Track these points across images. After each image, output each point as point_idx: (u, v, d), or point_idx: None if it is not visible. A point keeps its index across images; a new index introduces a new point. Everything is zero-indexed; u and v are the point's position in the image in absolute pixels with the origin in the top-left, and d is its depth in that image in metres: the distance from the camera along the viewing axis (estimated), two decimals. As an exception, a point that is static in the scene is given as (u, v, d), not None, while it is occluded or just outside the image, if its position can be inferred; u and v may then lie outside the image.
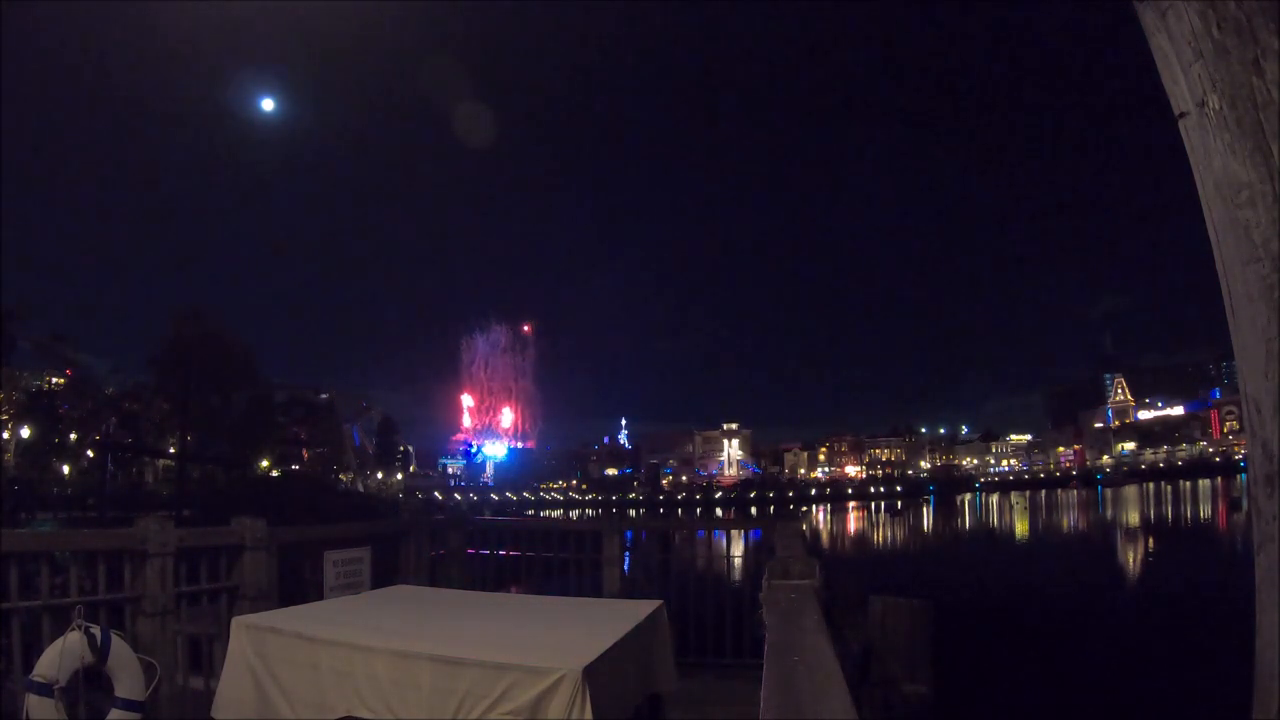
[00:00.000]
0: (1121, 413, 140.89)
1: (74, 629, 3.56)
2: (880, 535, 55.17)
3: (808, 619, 2.49)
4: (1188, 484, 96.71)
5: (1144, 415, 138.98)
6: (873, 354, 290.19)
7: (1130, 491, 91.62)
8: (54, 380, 62.62)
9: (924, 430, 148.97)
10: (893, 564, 33.17)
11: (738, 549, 7.36)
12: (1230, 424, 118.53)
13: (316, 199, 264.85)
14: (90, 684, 3.65)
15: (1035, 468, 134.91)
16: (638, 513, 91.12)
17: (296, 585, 5.27)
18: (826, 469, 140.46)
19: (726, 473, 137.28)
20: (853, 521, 72.08)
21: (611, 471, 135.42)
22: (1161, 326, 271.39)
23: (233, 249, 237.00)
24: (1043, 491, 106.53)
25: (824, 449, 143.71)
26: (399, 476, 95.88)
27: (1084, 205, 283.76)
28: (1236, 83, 1.20)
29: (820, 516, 77.93)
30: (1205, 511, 61.33)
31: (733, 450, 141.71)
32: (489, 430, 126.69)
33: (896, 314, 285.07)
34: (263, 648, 3.20)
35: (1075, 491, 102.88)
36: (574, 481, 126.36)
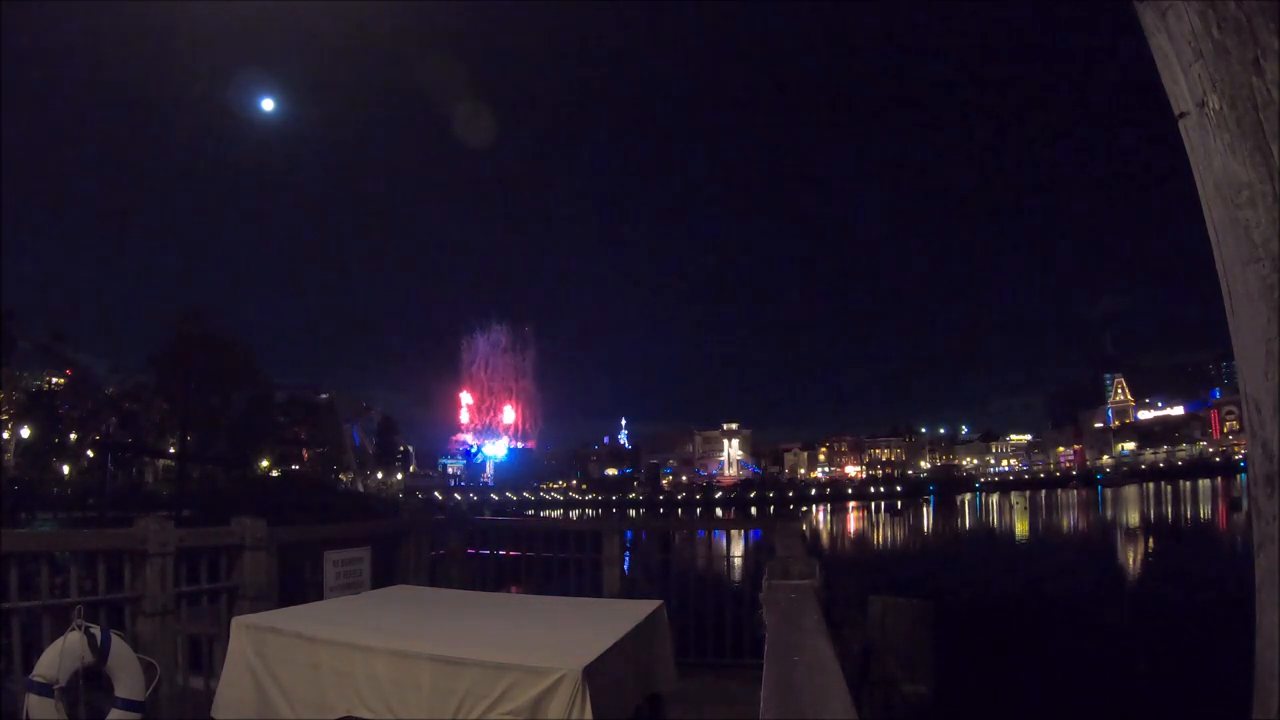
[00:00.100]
0: (1121, 413, 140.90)
1: (74, 629, 3.56)
2: (880, 535, 55.20)
3: (808, 619, 2.48)
4: (1188, 484, 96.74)
5: (1144, 415, 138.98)
6: (873, 354, 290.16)
7: (1130, 491, 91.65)
8: (54, 380, 62.58)
9: (924, 430, 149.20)
10: (893, 564, 33.19)
11: (738, 549, 7.39)
12: (1230, 424, 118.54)
13: (317, 199, 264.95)
14: (90, 684, 3.65)
15: (1035, 468, 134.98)
16: (638, 513, 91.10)
17: (296, 585, 5.27)
18: (826, 469, 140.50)
19: (726, 473, 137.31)
20: (853, 521, 72.12)
21: (611, 471, 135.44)
22: (1161, 327, 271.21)
23: (233, 249, 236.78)
24: (1043, 491, 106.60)
25: (824, 449, 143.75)
26: (399, 476, 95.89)
27: (1084, 205, 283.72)
28: (1236, 83, 1.20)
29: (820, 516, 77.94)
30: (1205, 511, 61.37)
31: (733, 450, 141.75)
32: (489, 430, 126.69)
33: (897, 314, 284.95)
34: (263, 648, 3.21)
35: (1075, 491, 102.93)
36: (574, 481, 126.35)
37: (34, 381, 61.58)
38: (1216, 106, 1.24)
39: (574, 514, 79.29)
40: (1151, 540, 39.59)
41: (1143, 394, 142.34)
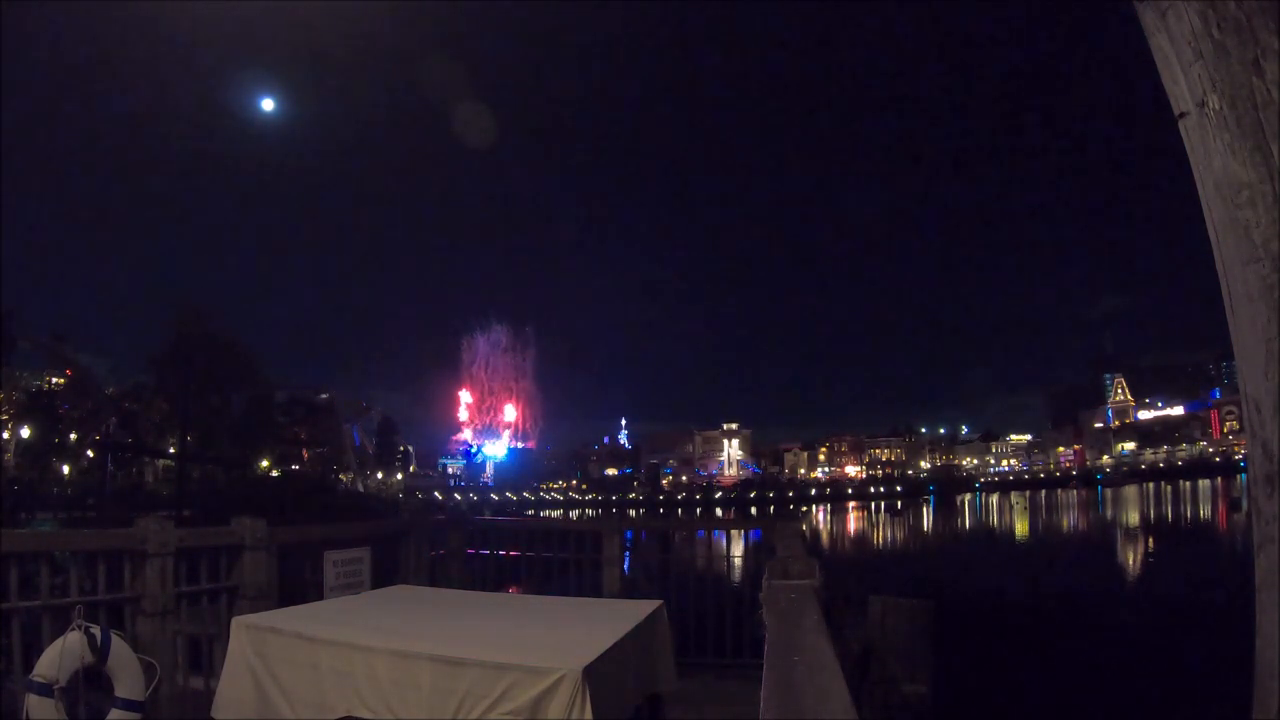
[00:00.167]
0: (1121, 413, 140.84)
1: (74, 629, 3.56)
2: (880, 535, 55.20)
3: (808, 619, 2.49)
4: (1188, 484, 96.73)
5: (1144, 415, 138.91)
6: (873, 354, 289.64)
7: (1130, 491, 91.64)
8: (54, 380, 62.69)
9: (924, 430, 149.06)
10: (893, 564, 33.19)
11: (737, 549, 7.37)
12: (1230, 424, 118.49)
13: (317, 199, 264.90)
14: (90, 684, 3.65)
15: (1035, 468, 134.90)
16: (638, 513, 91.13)
17: (296, 585, 5.26)
18: (826, 469, 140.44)
19: (726, 473, 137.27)
20: (853, 521, 72.12)
21: (611, 471, 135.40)
22: (1161, 326, 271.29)
23: (233, 249, 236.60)
24: (1043, 491, 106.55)
25: (824, 449, 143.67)
26: (399, 476, 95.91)
27: (1084, 205, 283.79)
28: (1236, 83, 1.20)
29: (820, 516, 77.94)
30: (1205, 512, 61.36)
31: (733, 450, 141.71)
32: (489, 430, 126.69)
33: (897, 314, 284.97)
34: (263, 648, 3.20)
35: (1075, 491, 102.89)
36: (574, 481, 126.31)
37: (34, 381, 61.75)
38: (1216, 106, 1.24)
39: (574, 514, 79.28)
40: (1151, 540, 39.59)
41: (1143, 394, 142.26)
